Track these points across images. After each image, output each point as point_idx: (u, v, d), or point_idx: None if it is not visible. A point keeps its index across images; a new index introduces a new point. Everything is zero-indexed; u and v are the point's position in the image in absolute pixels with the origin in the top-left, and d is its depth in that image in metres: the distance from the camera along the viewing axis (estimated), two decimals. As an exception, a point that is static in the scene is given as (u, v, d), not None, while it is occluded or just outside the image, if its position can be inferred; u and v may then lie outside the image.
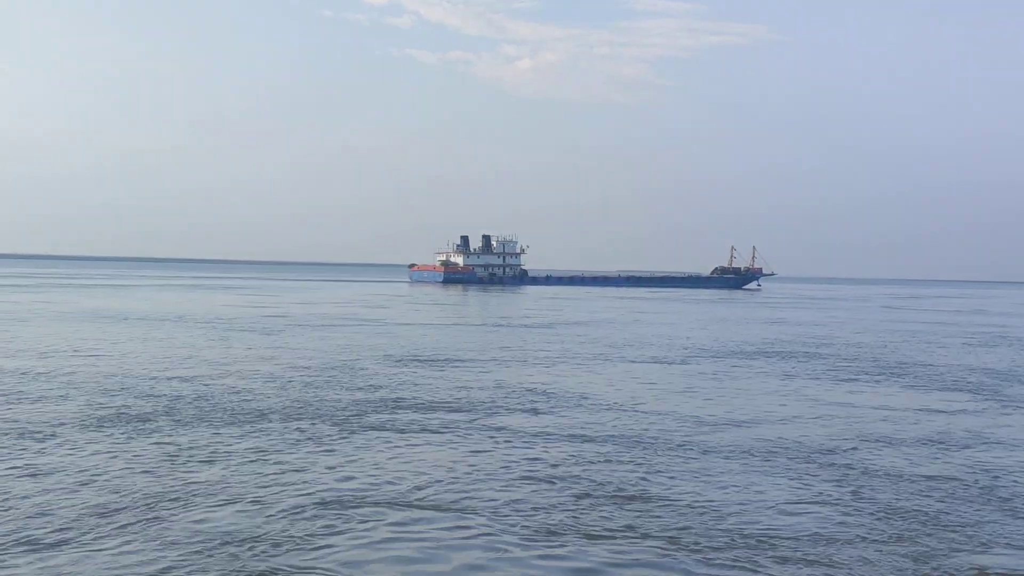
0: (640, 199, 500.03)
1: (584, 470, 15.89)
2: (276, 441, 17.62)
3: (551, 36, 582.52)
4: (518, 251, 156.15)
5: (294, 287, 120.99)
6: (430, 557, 11.28)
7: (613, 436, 19.15)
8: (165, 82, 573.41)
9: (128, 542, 11.40)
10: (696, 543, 12.05)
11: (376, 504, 13.38)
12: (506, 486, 14.64)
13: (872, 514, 13.64)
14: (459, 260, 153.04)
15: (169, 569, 10.54)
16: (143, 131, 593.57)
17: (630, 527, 12.65)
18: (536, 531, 12.35)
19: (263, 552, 11.20)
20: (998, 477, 16.39)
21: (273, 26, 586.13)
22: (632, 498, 14.14)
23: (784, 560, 11.52)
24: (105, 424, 18.89)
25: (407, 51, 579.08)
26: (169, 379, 25.95)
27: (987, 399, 27.05)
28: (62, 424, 18.72)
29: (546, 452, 17.29)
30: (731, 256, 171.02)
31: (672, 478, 15.51)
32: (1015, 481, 16.15)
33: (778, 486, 15.18)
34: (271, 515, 12.65)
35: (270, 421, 19.75)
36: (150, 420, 19.48)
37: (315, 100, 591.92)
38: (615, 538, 12.18)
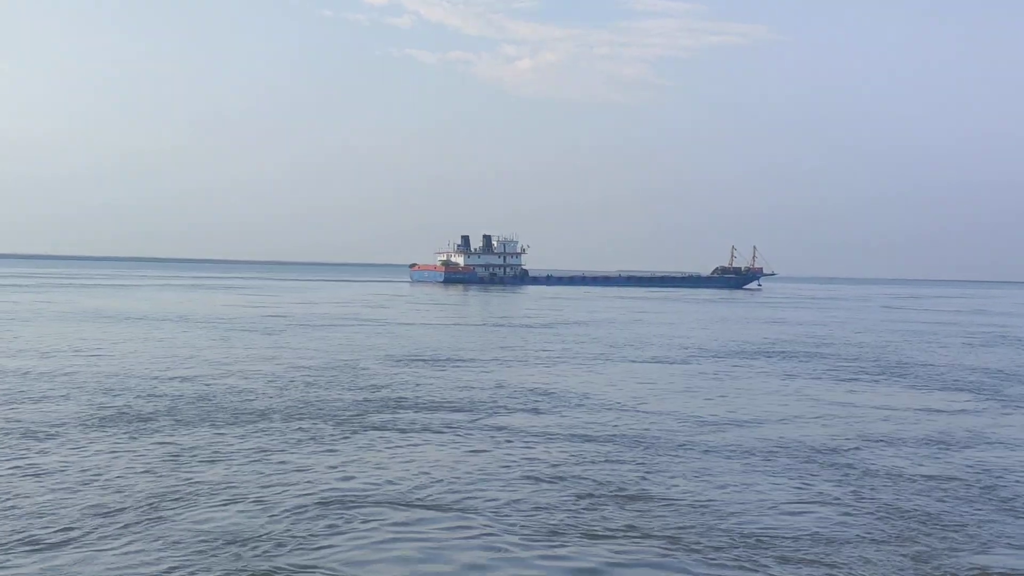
0: (640, 199, 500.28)
1: (585, 470, 15.91)
2: (278, 441, 17.65)
3: (551, 36, 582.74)
4: (519, 251, 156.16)
5: (294, 287, 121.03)
6: (432, 557, 11.31)
7: (614, 436, 19.18)
8: (165, 82, 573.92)
9: (131, 542, 11.43)
10: (697, 543, 12.08)
11: (378, 504, 13.41)
12: (507, 486, 14.66)
13: (873, 514, 13.67)
14: (460, 260, 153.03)
15: (173, 569, 10.57)
16: (143, 131, 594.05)
17: (631, 527, 12.68)
18: (537, 531, 12.37)
19: (266, 552, 11.23)
20: (999, 477, 16.41)
21: (273, 26, 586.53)
22: (633, 498, 14.16)
23: (785, 560, 11.54)
24: (107, 424, 18.92)
25: (407, 51, 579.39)
26: (171, 379, 25.98)
27: (988, 399, 27.07)
28: (64, 424, 18.75)
29: (547, 452, 17.32)
30: (732, 256, 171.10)
31: (673, 478, 15.54)
32: (1016, 481, 16.18)
33: (779, 486, 15.20)
34: (274, 515, 12.68)
35: (272, 421, 19.78)
36: (152, 420, 19.51)
37: (315, 100, 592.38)
38: (616, 538, 12.20)
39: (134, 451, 16.43)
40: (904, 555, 11.83)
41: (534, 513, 13.19)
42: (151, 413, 20.32)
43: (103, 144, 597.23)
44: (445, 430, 19.32)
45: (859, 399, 26.15)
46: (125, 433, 18.03)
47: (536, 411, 22.23)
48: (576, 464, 16.36)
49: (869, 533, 12.71)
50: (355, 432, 18.77)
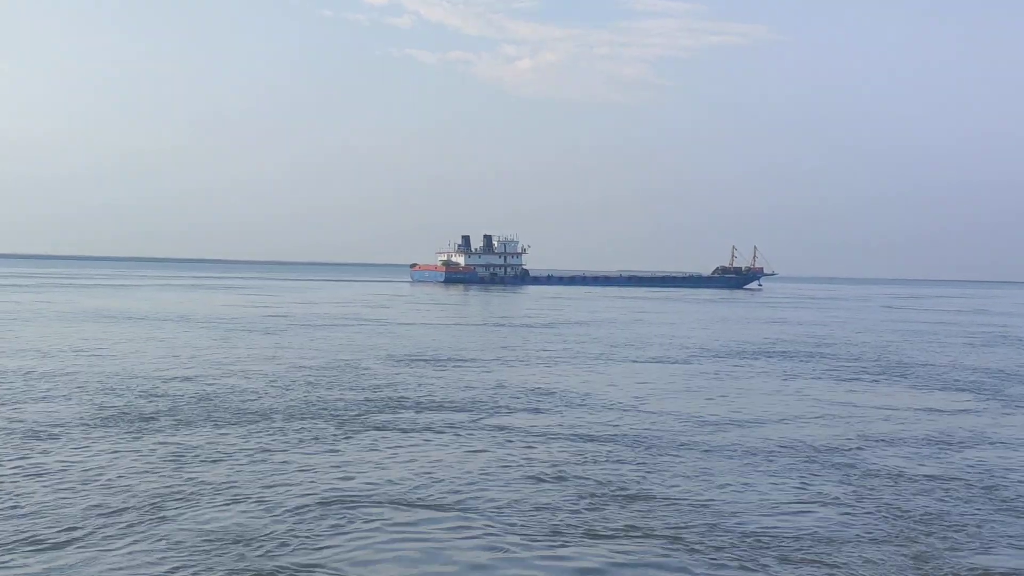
0: (640, 199, 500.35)
1: (586, 469, 15.94)
2: (280, 441, 17.68)
3: (551, 36, 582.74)
4: (519, 251, 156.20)
5: (295, 287, 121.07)
6: (434, 557, 11.33)
7: (615, 435, 19.20)
8: (165, 82, 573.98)
9: (135, 542, 11.46)
10: (698, 542, 12.10)
11: (380, 504, 13.44)
12: (509, 485, 14.69)
13: (874, 514, 13.69)
14: (460, 260, 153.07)
15: (177, 568, 10.60)
16: (143, 131, 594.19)
17: (632, 526, 12.70)
18: (539, 530, 12.40)
19: (269, 552, 11.25)
20: (1000, 477, 16.43)
21: (273, 26, 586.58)
22: (634, 497, 14.19)
23: (786, 560, 11.57)
24: (109, 424, 18.95)
25: (407, 51, 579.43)
26: (172, 379, 26.01)
27: (988, 399, 27.09)
28: (66, 424, 18.78)
29: (548, 452, 17.35)
30: (732, 256, 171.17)
31: (674, 477, 15.56)
32: (1018, 481, 16.20)
33: (780, 486, 15.23)
34: (277, 515, 12.71)
35: (274, 421, 19.81)
36: (154, 420, 19.53)
37: (315, 100, 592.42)
38: (617, 537, 12.23)
39: (136, 451, 16.46)
40: (905, 555, 11.86)
41: (535, 513, 13.21)
42: (153, 413, 20.35)
43: (103, 144, 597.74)
44: (446, 430, 19.35)
45: (860, 399, 26.17)
46: (127, 433, 18.05)
47: (537, 411, 22.26)
48: (577, 464, 16.38)
49: (870, 533, 12.73)
50: (357, 432, 18.80)
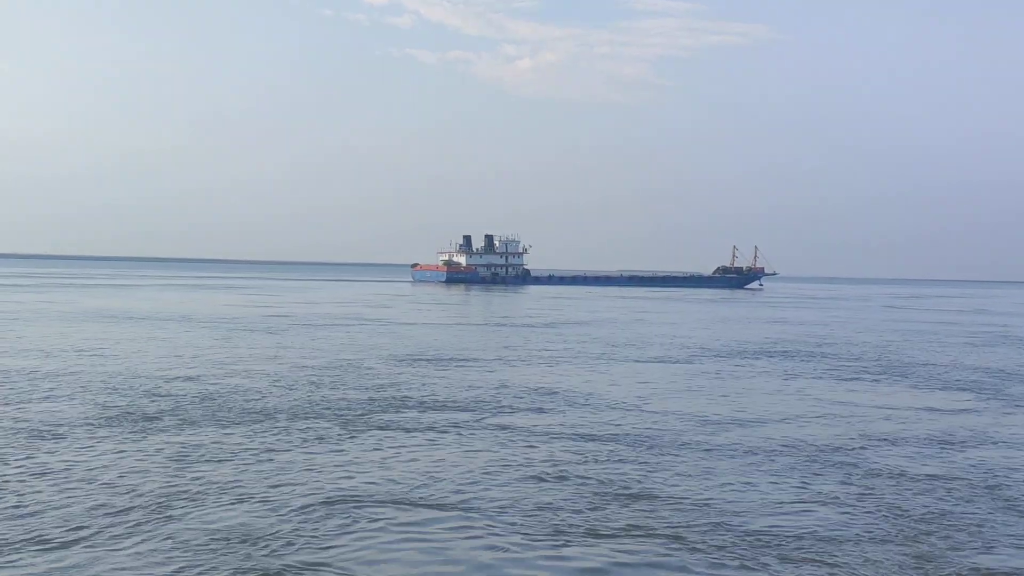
0: (640, 199, 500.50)
1: (588, 469, 16.00)
2: (284, 440, 17.75)
3: (551, 36, 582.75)
4: (521, 251, 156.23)
5: (296, 287, 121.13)
6: (438, 556, 11.40)
7: (616, 435, 19.27)
8: (165, 82, 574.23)
9: (141, 541, 11.52)
10: (700, 541, 12.17)
11: (384, 503, 13.50)
12: (511, 485, 14.75)
13: (875, 513, 13.75)
14: (462, 260, 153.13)
15: (184, 568, 10.67)
16: (143, 131, 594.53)
17: (634, 526, 12.77)
18: (541, 530, 12.46)
19: (275, 551, 11.32)
20: (1001, 476, 16.49)
21: (273, 26, 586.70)
22: (636, 497, 14.25)
23: (787, 559, 11.63)
24: (113, 424, 19.02)
25: (407, 51, 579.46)
26: (175, 378, 26.08)
27: (989, 398, 27.15)
28: (71, 424, 18.85)
29: (550, 451, 17.41)
30: (733, 256, 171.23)
31: (675, 477, 15.63)
32: (1019, 480, 16.25)
33: (781, 485, 15.29)
34: (282, 514, 12.78)
35: (277, 420, 19.88)
36: (158, 419, 19.60)
37: (315, 100, 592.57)
38: (619, 537, 12.29)
39: (141, 451, 16.53)
40: (907, 554, 11.91)
41: (538, 512, 13.28)
42: (157, 413, 20.41)
43: (103, 144, 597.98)
44: (449, 429, 19.41)
45: (861, 399, 26.23)
46: (132, 433, 18.12)
47: (539, 410, 22.33)
48: (579, 463, 16.45)
49: (871, 532, 12.79)
50: (360, 432, 18.87)
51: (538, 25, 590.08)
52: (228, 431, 18.55)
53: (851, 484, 15.52)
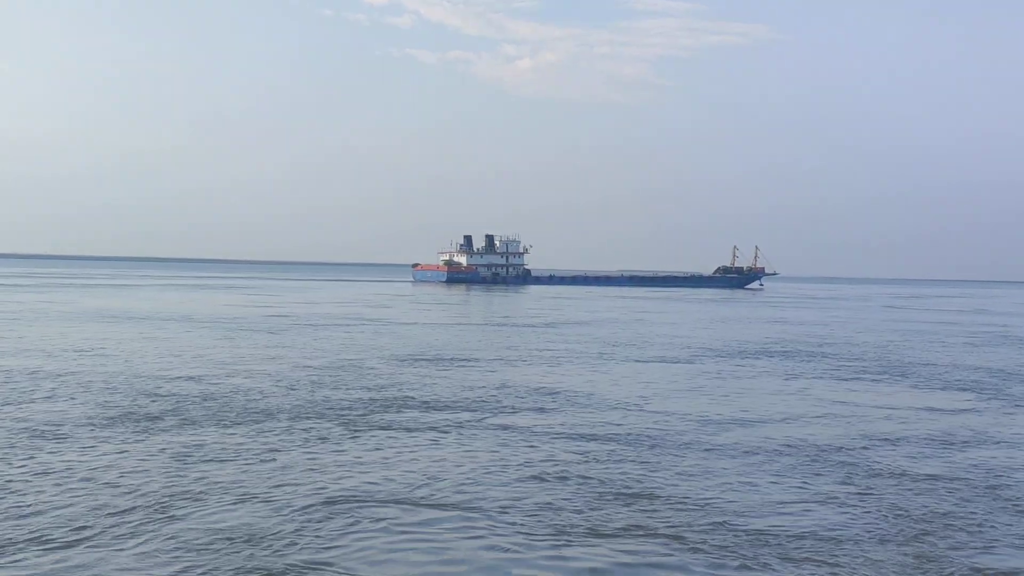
0: (640, 199, 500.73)
1: (589, 469, 16.03)
2: (285, 440, 17.78)
3: (551, 36, 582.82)
4: (521, 251, 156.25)
5: (296, 287, 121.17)
6: (439, 556, 11.42)
7: (617, 435, 19.30)
8: (165, 82, 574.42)
9: (145, 541, 11.55)
10: (701, 541, 12.20)
11: (386, 503, 13.53)
12: (512, 485, 14.79)
13: (876, 513, 13.78)
14: (462, 260, 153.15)
15: (187, 568, 10.70)
16: (143, 131, 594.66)
17: (635, 525, 12.79)
18: (542, 529, 12.49)
19: (278, 551, 11.35)
20: (1002, 476, 16.52)
21: (273, 26, 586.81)
22: (637, 496, 14.28)
23: (788, 559, 11.66)
24: (115, 424, 19.05)
25: (407, 51, 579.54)
26: (177, 378, 26.11)
27: (990, 398, 27.18)
28: (73, 424, 18.87)
29: (551, 451, 17.44)
30: (734, 256, 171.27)
31: (676, 476, 15.66)
32: (1020, 480, 16.28)
33: (782, 485, 15.32)
34: (285, 514, 12.81)
35: (279, 420, 19.91)
36: (159, 419, 19.63)
37: (315, 100, 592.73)
38: (621, 536, 12.32)
39: (143, 451, 16.56)
40: (908, 554, 11.94)
41: (539, 512, 13.31)
42: (158, 413, 20.45)
43: (103, 144, 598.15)
44: (450, 429, 19.45)
45: (861, 398, 26.26)
46: (133, 433, 18.15)
47: (540, 410, 22.36)
48: (580, 463, 16.48)
49: (872, 532, 12.82)
50: (362, 431, 18.90)
51: (538, 25, 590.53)
52: (230, 431, 18.58)
53: (852, 484, 15.55)
